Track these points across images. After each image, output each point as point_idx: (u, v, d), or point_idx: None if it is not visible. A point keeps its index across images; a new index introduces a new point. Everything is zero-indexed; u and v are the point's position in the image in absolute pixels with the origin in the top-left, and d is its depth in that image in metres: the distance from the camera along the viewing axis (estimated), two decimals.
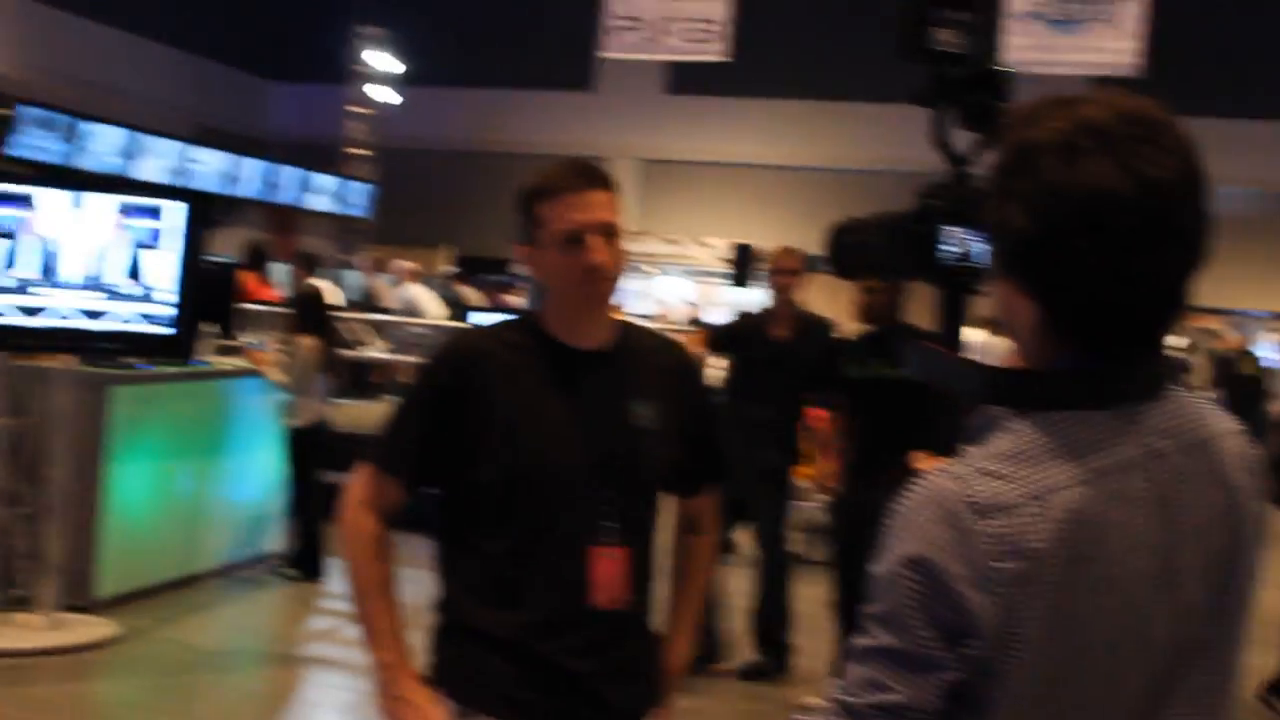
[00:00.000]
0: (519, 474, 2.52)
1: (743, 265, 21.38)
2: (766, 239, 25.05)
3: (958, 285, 1.94)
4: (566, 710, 2.55)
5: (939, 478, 1.46)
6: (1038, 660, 1.41)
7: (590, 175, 2.55)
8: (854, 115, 23.37)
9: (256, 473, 8.50)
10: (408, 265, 16.25)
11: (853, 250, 2.09)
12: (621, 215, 2.58)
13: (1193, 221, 1.48)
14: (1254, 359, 21.95)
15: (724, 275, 24.02)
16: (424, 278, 16.49)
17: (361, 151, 23.51)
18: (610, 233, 2.53)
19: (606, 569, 2.55)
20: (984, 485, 1.43)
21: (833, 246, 2.15)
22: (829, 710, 1.49)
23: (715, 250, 26.37)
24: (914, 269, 1.97)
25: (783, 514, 6.88)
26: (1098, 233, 1.42)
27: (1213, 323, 25.22)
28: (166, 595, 7.48)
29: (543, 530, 2.54)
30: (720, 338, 7.28)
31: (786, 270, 6.93)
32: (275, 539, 8.65)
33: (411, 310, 15.27)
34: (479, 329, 2.94)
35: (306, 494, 8.15)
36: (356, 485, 2.65)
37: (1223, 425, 1.60)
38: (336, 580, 8.08)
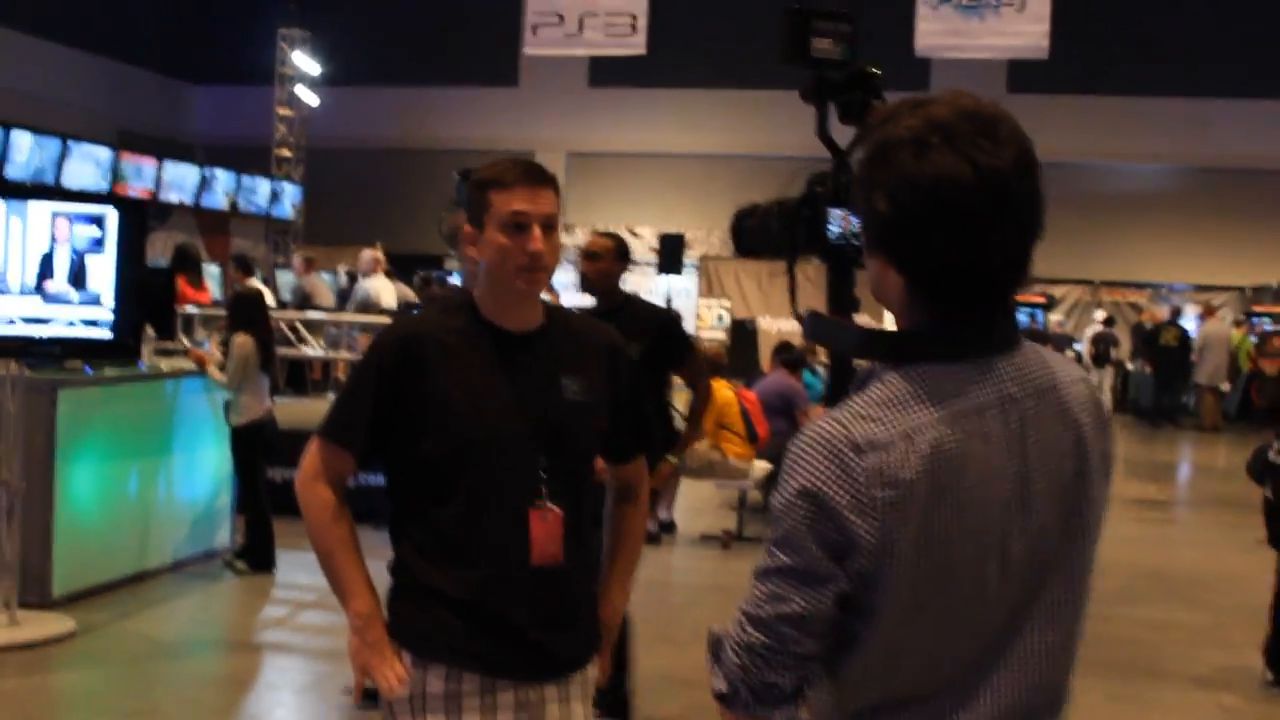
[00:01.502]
0: (461, 447, 2.77)
1: (671, 253, 21.65)
2: (694, 226, 25.34)
3: (843, 260, 2.24)
4: (511, 658, 2.79)
5: (824, 422, 1.73)
6: (911, 573, 1.69)
7: (539, 173, 2.82)
8: (775, 103, 23.67)
9: (204, 470, 8.71)
10: (375, 255, 15.96)
11: (753, 232, 2.38)
12: (559, 214, 2.85)
13: (1027, 201, 1.74)
14: (1176, 330, 22.46)
15: (653, 263, 24.29)
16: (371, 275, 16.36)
17: (289, 153, 23.50)
18: (551, 226, 2.80)
19: (543, 530, 2.80)
20: (862, 427, 1.70)
21: (735, 229, 2.43)
22: (740, 623, 1.77)
23: (645, 240, 26.62)
24: (806, 246, 2.26)
25: None
26: (945, 214, 1.69)
27: (1136, 297, 25.77)
28: (121, 591, 7.67)
29: (484, 497, 2.78)
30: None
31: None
32: (225, 534, 8.88)
33: (369, 303, 15.15)
34: (419, 314, 3.18)
35: (253, 489, 8.36)
36: (309, 459, 2.88)
37: (1069, 373, 1.86)
38: (288, 571, 8.30)
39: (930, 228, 1.70)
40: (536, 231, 2.76)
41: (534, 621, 2.79)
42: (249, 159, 22.82)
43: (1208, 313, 22.73)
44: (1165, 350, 22.23)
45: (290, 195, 23.15)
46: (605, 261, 5.62)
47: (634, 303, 5.80)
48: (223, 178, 21.19)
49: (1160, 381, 22.31)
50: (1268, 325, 22.91)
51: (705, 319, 24.12)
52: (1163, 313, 23.68)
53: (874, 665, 1.75)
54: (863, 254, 2.12)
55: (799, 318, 2.05)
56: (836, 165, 2.27)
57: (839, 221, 2.25)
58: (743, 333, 21.74)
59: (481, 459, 2.77)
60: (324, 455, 2.86)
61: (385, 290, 15.43)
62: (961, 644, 1.76)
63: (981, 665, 1.78)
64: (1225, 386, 22.54)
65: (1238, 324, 23.70)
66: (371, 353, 2.91)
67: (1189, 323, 23.14)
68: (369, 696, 3.20)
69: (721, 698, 1.78)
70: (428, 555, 2.81)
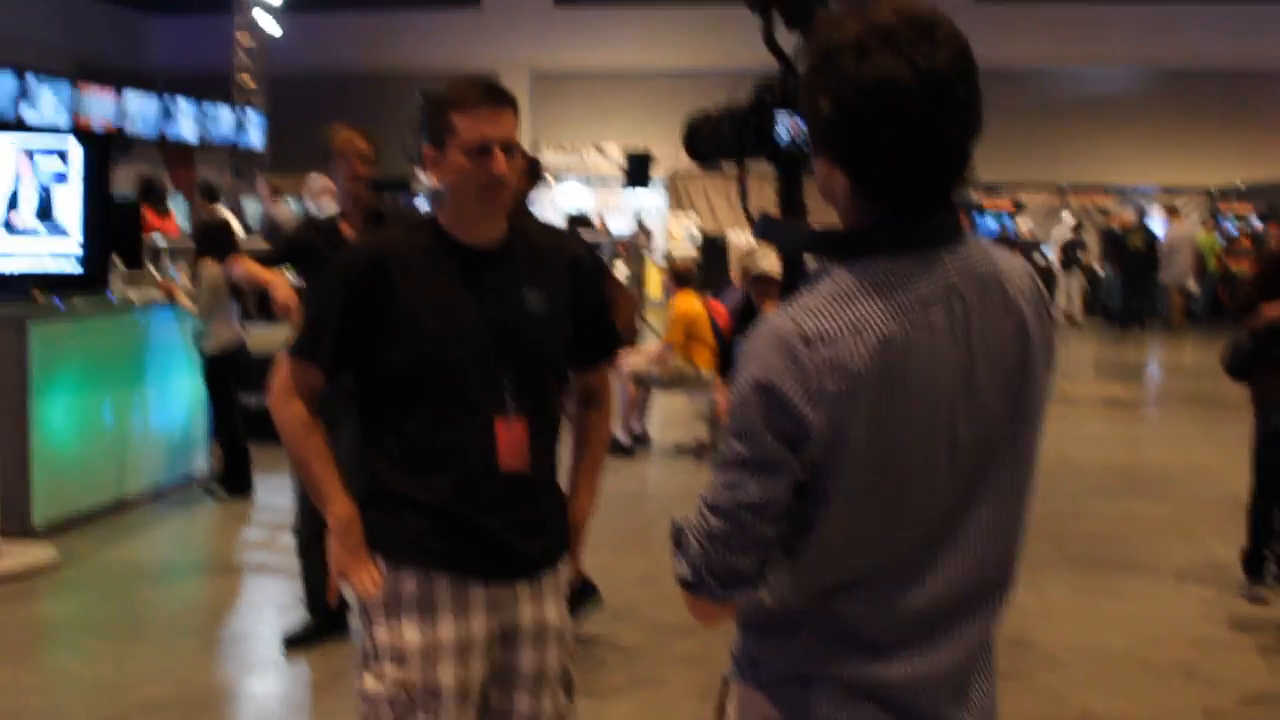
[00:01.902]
0: (426, 359, 2.83)
1: (638, 169, 21.59)
2: (661, 144, 25.23)
3: (791, 163, 2.30)
4: (482, 558, 2.87)
5: (776, 318, 1.80)
6: (863, 460, 1.76)
7: (500, 95, 2.85)
8: (737, 18, 23.39)
9: (177, 398, 8.76)
10: (325, 181, 15.95)
11: (705, 139, 2.43)
12: (517, 135, 2.89)
13: (965, 99, 1.79)
14: (1142, 232, 22.59)
15: (620, 180, 24.24)
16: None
17: (251, 81, 23.27)
18: (511, 148, 2.85)
19: (509, 437, 2.88)
20: (812, 321, 1.76)
21: (688, 136, 2.49)
22: (700, 511, 1.85)
23: (612, 157, 26.55)
24: (755, 151, 2.32)
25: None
26: (887, 114, 1.75)
27: (1104, 200, 25.85)
28: (101, 520, 7.75)
29: (451, 408, 2.85)
30: (282, 252, 5.85)
31: (360, 156, 5.62)
32: (202, 460, 8.96)
33: None
34: (385, 231, 3.23)
35: (227, 415, 8.43)
36: (280, 374, 2.95)
37: (1011, 264, 1.93)
38: (265, 494, 8.38)
39: (873, 128, 1.75)
40: (499, 154, 2.81)
41: (503, 524, 2.88)
42: (211, 88, 22.60)
43: (1173, 215, 22.86)
44: (1133, 254, 22.37)
45: (254, 124, 22.96)
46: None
47: (534, 222, 5.06)
48: (185, 108, 21.01)
49: (1128, 284, 22.48)
50: (1233, 226, 23.04)
51: (675, 234, 24.16)
52: (1130, 216, 23.78)
53: (829, 548, 1.83)
54: (810, 156, 2.18)
55: (750, 219, 2.11)
56: (783, 71, 2.33)
57: (787, 126, 2.31)
58: (713, 247, 21.77)
59: (447, 371, 2.84)
60: (294, 370, 2.92)
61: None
62: (912, 526, 1.83)
63: (932, 546, 1.86)
64: (1192, 287, 22.73)
65: (1204, 225, 23.83)
66: (337, 269, 2.96)
67: (1155, 225, 23.27)
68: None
69: (685, 584, 1.86)
70: (397, 464, 2.89)
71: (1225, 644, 5.96)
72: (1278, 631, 6.00)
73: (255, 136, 23.16)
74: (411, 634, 2.82)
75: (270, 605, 6.19)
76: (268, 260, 5.83)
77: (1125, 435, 11.99)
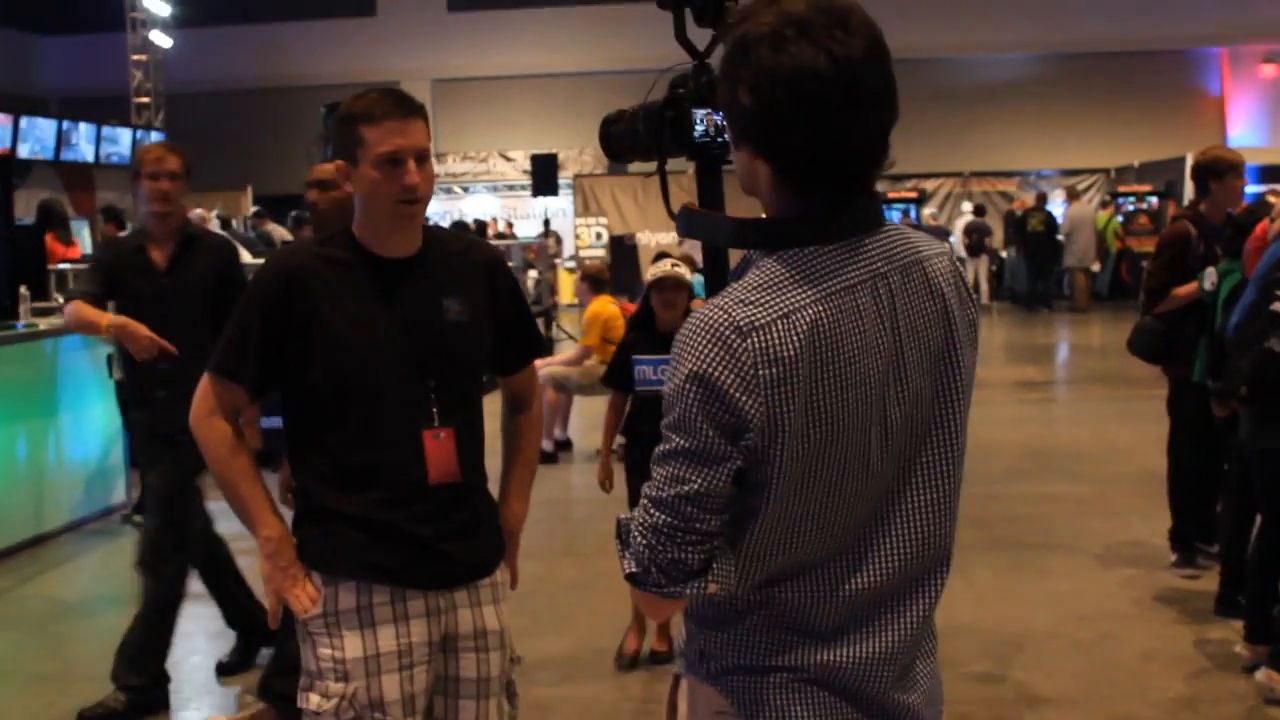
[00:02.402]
0: (348, 375, 2.82)
1: (545, 174, 21.56)
2: (566, 146, 25.20)
3: (709, 157, 2.31)
4: (418, 568, 2.87)
5: (707, 309, 1.81)
6: (799, 446, 1.78)
7: (408, 104, 2.85)
8: (636, 15, 23.59)
9: (93, 427, 8.62)
10: (202, 213, 16.07)
11: (620, 137, 2.44)
12: (430, 144, 2.89)
13: (881, 86, 1.82)
14: (1042, 214, 22.95)
15: (527, 186, 24.23)
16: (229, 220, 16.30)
17: (148, 99, 22.94)
18: (424, 158, 2.85)
19: (437, 449, 2.87)
20: (742, 311, 1.78)
21: (603, 136, 2.49)
22: (644, 506, 1.85)
23: (517, 163, 26.51)
24: (673, 148, 2.33)
25: (183, 479, 5.17)
26: (806, 103, 1.77)
27: (1006, 185, 26.24)
28: (20, 555, 7.61)
29: (376, 422, 2.84)
30: (103, 284, 5.17)
31: (169, 174, 5.03)
32: (121, 489, 8.81)
33: None
34: (299, 245, 3.21)
35: None
36: (201, 396, 2.91)
37: (932, 249, 1.96)
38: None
39: (792, 117, 1.77)
40: (411, 165, 2.81)
41: (437, 533, 2.87)
42: (107, 109, 22.28)
43: (1073, 196, 23.23)
44: (1033, 235, 22.73)
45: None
46: (341, 190, 4.59)
47: None
48: (82, 130, 20.68)
49: (1032, 266, 22.83)
50: (1132, 205, 23.47)
51: (584, 237, 24.14)
52: (1032, 200, 24.16)
53: (772, 536, 1.85)
54: (728, 150, 2.19)
55: (672, 215, 2.12)
56: (696, 66, 2.34)
57: (703, 120, 2.32)
58: (621, 249, 21.77)
59: (370, 386, 2.83)
60: (216, 390, 2.89)
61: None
62: (851, 510, 1.86)
63: (870, 529, 1.89)
64: (1095, 267, 23.12)
65: (1104, 205, 24.24)
66: (254, 286, 2.93)
67: (1056, 207, 23.64)
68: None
69: (632, 578, 1.87)
70: (327, 481, 2.87)
71: (1152, 617, 6.07)
72: (1202, 602, 6.11)
73: None
74: (353, 647, 2.81)
75: (201, 633, 6.09)
76: (96, 298, 5.11)
77: (1040, 416, 12.16)
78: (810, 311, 1.78)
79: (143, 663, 5.12)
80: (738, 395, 1.75)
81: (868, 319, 1.82)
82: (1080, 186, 24.51)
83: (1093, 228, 22.75)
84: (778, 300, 1.78)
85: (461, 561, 2.93)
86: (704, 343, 1.78)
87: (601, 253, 22.72)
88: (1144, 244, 21.44)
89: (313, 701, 2.83)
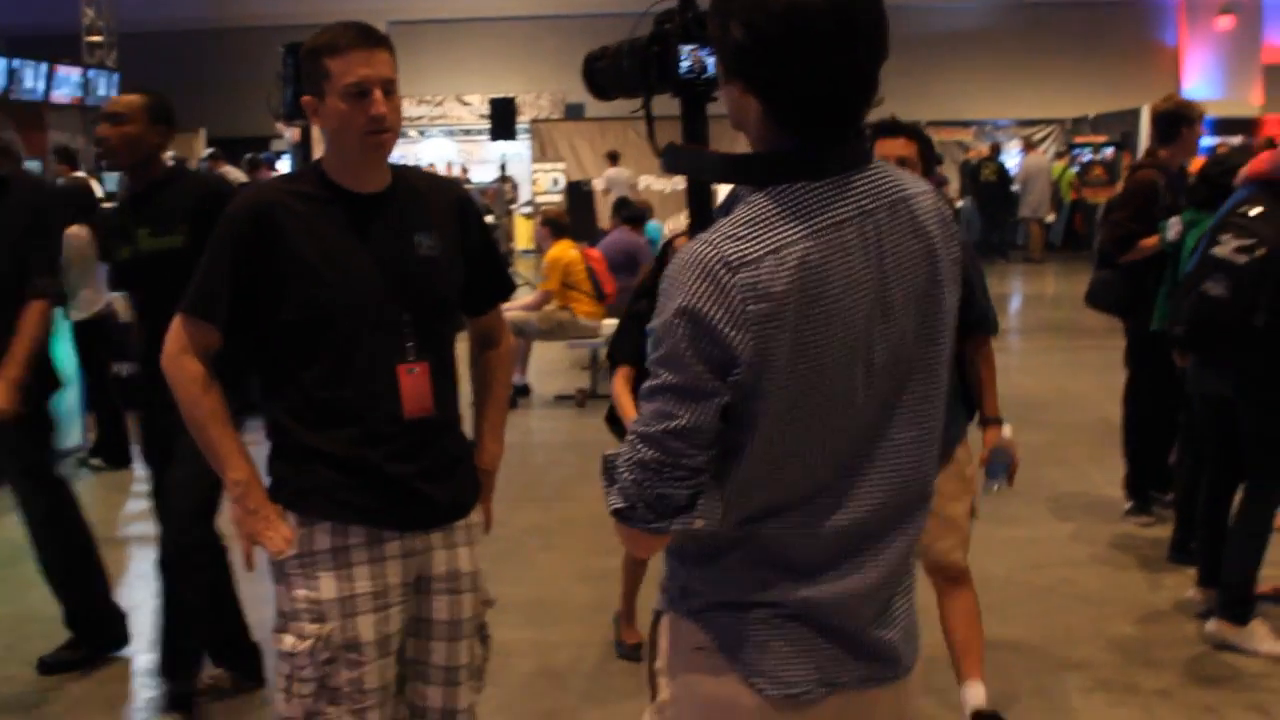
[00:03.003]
0: (322, 310, 2.79)
1: (503, 118, 21.39)
2: (523, 91, 25.00)
3: (695, 94, 2.31)
4: (394, 509, 2.85)
5: (696, 245, 1.80)
6: (787, 380, 1.79)
7: (374, 36, 2.81)
8: None
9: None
10: None
11: (605, 74, 2.42)
12: (397, 75, 2.84)
13: (872, 24, 1.83)
14: (994, 164, 23.01)
15: (485, 131, 24.02)
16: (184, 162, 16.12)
17: (100, 38, 22.57)
18: (390, 89, 2.81)
19: (412, 383, 2.85)
20: (732, 246, 1.77)
21: (586, 73, 2.48)
22: (631, 441, 1.85)
23: (474, 107, 26.30)
24: (659, 84, 2.32)
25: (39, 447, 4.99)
26: (798, 37, 1.77)
27: (962, 135, 26.29)
28: None
29: (350, 357, 2.82)
30: None
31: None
32: (77, 433, 8.72)
33: None
34: (268, 181, 3.17)
35: (101, 385, 8.18)
36: (174, 336, 2.88)
37: (917, 187, 1.96)
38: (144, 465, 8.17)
39: (784, 52, 1.77)
40: (377, 95, 2.77)
41: (414, 472, 2.86)
42: (59, 48, 21.91)
43: (1029, 147, 23.30)
44: (986, 185, 22.81)
45: (107, 83, 22.30)
46: (134, 125, 4.38)
47: (180, 179, 4.50)
48: (35, 69, 20.36)
49: (985, 216, 22.91)
50: (1088, 156, 23.57)
51: (541, 183, 24.05)
52: (984, 148, 24.23)
53: (757, 472, 1.85)
54: (715, 86, 2.18)
55: (658, 152, 2.11)
56: (682, 3, 2.33)
57: (689, 57, 2.31)
58: (579, 195, 21.70)
59: (344, 321, 2.80)
60: (188, 330, 2.86)
61: None
62: (835, 446, 1.87)
63: (854, 464, 1.90)
64: (1050, 217, 23.23)
65: (1060, 156, 24.34)
66: (224, 225, 2.89)
67: (1011, 158, 23.71)
68: None
69: (619, 513, 1.86)
70: (301, 418, 2.85)
71: (1106, 564, 6.14)
72: (1156, 549, 6.18)
73: (109, 96, 22.50)
74: (329, 588, 2.80)
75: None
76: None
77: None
78: (799, 247, 1.78)
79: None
80: (727, 330, 1.75)
81: (855, 256, 1.82)
82: (1036, 137, 24.59)
83: (1048, 178, 22.84)
84: (767, 235, 1.78)
85: (438, 503, 2.92)
86: (693, 278, 1.77)
87: (559, 198, 22.65)
88: (1098, 195, 21.53)
89: (287, 642, 2.82)
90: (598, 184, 21.71)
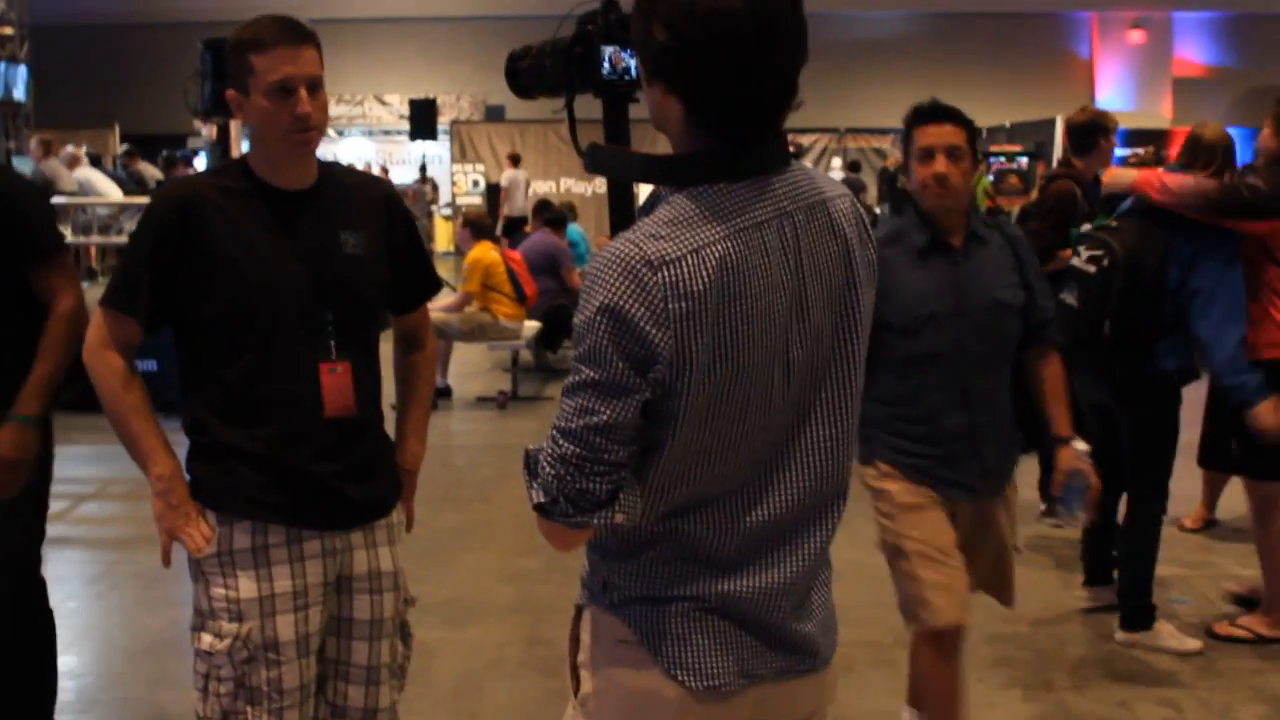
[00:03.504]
0: (244, 306, 2.76)
1: (423, 119, 21.32)
2: (443, 92, 24.88)
3: (616, 94, 2.32)
4: (314, 508, 2.83)
5: (619, 244, 1.82)
6: (706, 378, 1.81)
7: (300, 31, 2.77)
8: None
9: None
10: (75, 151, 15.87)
11: (528, 73, 2.44)
12: (323, 71, 2.82)
13: (794, 27, 1.85)
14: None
15: (404, 132, 23.93)
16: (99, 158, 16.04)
17: (11, 30, 22.18)
18: (316, 86, 2.78)
19: (334, 383, 2.83)
20: (653, 246, 1.80)
21: (509, 72, 2.49)
22: (553, 437, 1.87)
23: (393, 107, 26.18)
24: (581, 84, 2.34)
25: None
26: (720, 41, 1.79)
27: (880, 142, 26.54)
28: None
29: (272, 354, 2.79)
30: None
31: None
32: None
33: (89, 192, 14.95)
34: (192, 175, 3.13)
35: None
36: (94, 330, 2.84)
37: (835, 190, 2.00)
38: (61, 465, 8.01)
39: (706, 55, 1.80)
40: (303, 94, 2.74)
41: (334, 471, 2.84)
42: None
43: None
44: (903, 192, 23.04)
45: (17, 77, 21.92)
46: None
47: None
48: None
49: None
50: (1002, 164, 23.87)
51: (461, 184, 23.99)
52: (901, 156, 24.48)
53: (677, 469, 1.88)
54: (637, 87, 2.20)
55: (580, 152, 2.13)
56: (605, 4, 2.34)
57: (610, 58, 2.33)
58: (497, 196, 21.68)
59: (266, 317, 2.78)
60: (109, 324, 2.82)
61: (99, 179, 15.69)
62: (753, 444, 1.90)
63: (772, 462, 1.94)
64: None
65: (975, 164, 24.60)
66: (148, 216, 2.85)
67: None
68: None
69: (540, 508, 1.88)
70: (221, 414, 2.82)
71: (1022, 563, 6.21)
72: (1069, 549, 6.28)
73: (20, 90, 22.13)
74: (248, 588, 2.78)
75: (78, 578, 5.98)
76: None
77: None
78: (720, 247, 1.81)
79: None
80: (647, 328, 1.78)
81: (774, 256, 1.86)
82: None
83: None
84: (688, 235, 1.80)
85: (358, 502, 2.91)
86: (615, 276, 1.79)
87: (478, 200, 22.61)
88: (1013, 203, 21.75)
89: (205, 641, 2.79)
90: (503, 183, 21.68)
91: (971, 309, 3.61)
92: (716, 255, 1.80)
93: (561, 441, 1.85)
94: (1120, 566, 5.22)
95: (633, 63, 2.31)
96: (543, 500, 1.88)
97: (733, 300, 1.81)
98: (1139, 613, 5.13)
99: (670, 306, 1.77)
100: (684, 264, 1.78)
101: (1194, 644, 5.10)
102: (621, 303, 1.78)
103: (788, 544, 1.97)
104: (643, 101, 2.05)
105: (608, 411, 1.81)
